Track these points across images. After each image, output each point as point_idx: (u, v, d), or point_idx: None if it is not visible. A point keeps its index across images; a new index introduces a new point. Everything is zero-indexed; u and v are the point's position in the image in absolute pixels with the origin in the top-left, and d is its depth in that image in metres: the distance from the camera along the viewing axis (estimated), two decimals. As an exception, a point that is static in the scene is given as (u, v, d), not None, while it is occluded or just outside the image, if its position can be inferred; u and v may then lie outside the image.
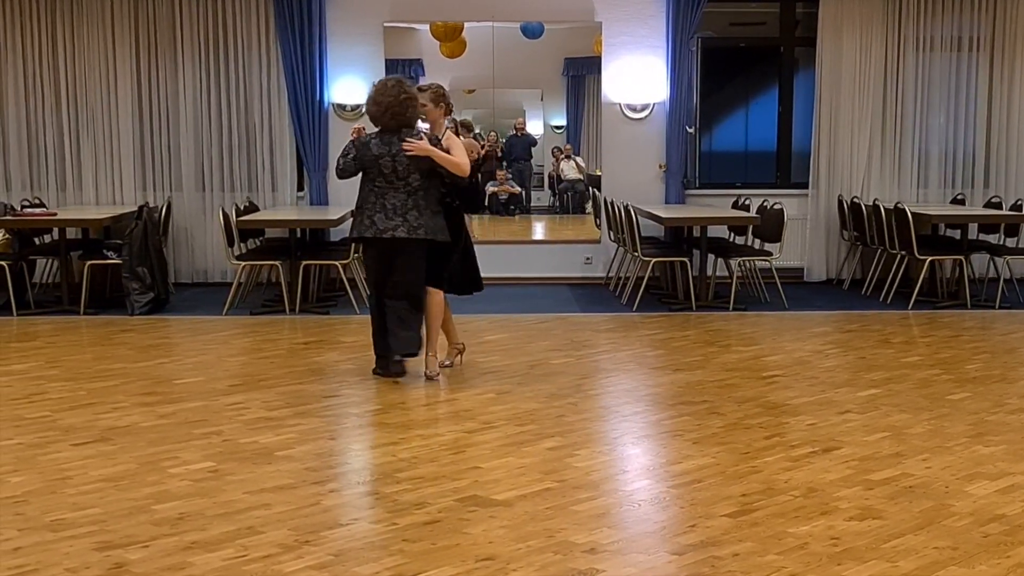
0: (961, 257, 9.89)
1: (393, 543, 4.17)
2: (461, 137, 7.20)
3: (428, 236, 6.76)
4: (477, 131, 13.22)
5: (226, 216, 9.56)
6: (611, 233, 10.87)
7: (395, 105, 6.77)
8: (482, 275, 7.30)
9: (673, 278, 10.37)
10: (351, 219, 7.02)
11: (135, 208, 9.90)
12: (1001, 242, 10.42)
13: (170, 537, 4.22)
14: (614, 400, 6.70)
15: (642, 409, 6.43)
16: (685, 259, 9.95)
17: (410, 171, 6.76)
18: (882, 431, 5.76)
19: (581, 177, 13.33)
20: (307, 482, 4.94)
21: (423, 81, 7.90)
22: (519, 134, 13.63)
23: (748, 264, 10.28)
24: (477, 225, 12.84)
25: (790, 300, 9.91)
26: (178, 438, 5.66)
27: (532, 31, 12.01)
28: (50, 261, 10.57)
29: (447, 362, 7.31)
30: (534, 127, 13.80)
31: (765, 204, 10.27)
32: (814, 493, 4.75)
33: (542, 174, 13.98)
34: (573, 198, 13.54)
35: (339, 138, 11.01)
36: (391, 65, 11.16)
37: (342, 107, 11.14)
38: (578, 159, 13.35)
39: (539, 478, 4.97)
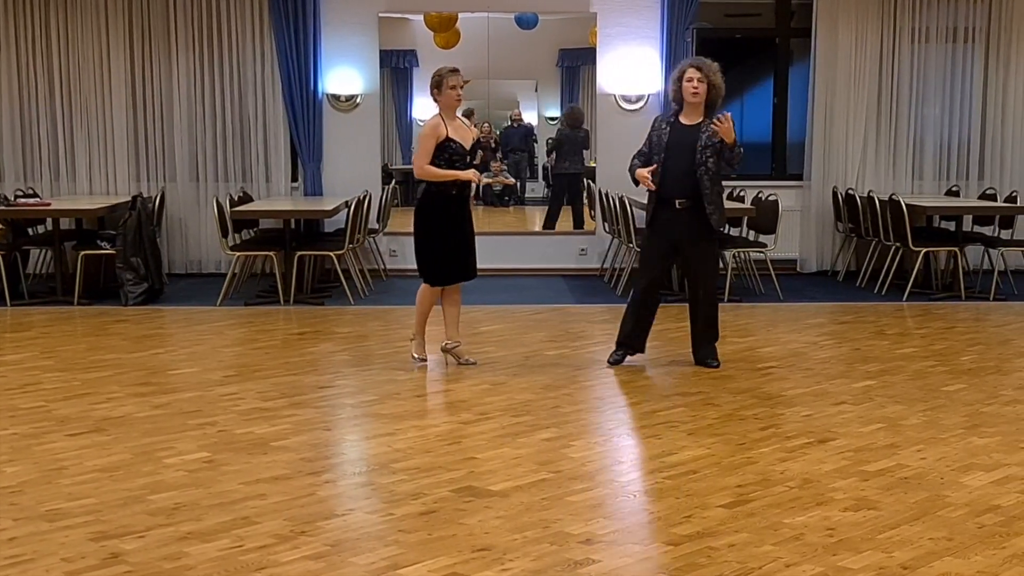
0: (956, 249, 9.89)
1: (389, 533, 4.17)
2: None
3: None
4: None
5: (220, 206, 9.54)
6: (606, 224, 10.86)
7: None
8: (478, 266, 7.31)
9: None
10: (722, 211, 7.00)
11: (129, 198, 9.89)
12: (996, 234, 10.42)
13: (166, 527, 4.22)
14: (609, 391, 6.70)
15: (637, 400, 6.43)
16: (680, 250, 9.93)
17: None
18: (877, 422, 5.77)
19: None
20: (302, 472, 4.93)
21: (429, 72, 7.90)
22: (515, 125, 13.60)
23: (743, 255, 10.28)
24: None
25: (785, 292, 9.91)
26: (173, 428, 5.65)
27: (527, 22, 11.99)
28: (44, 251, 10.56)
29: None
30: (528, 118, 13.78)
31: (760, 195, 10.27)
32: (809, 484, 4.75)
33: (535, 165, 13.97)
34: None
35: (333, 128, 11.05)
36: (385, 56, 11.14)
37: (336, 97, 11.12)
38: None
39: (534, 469, 4.97)
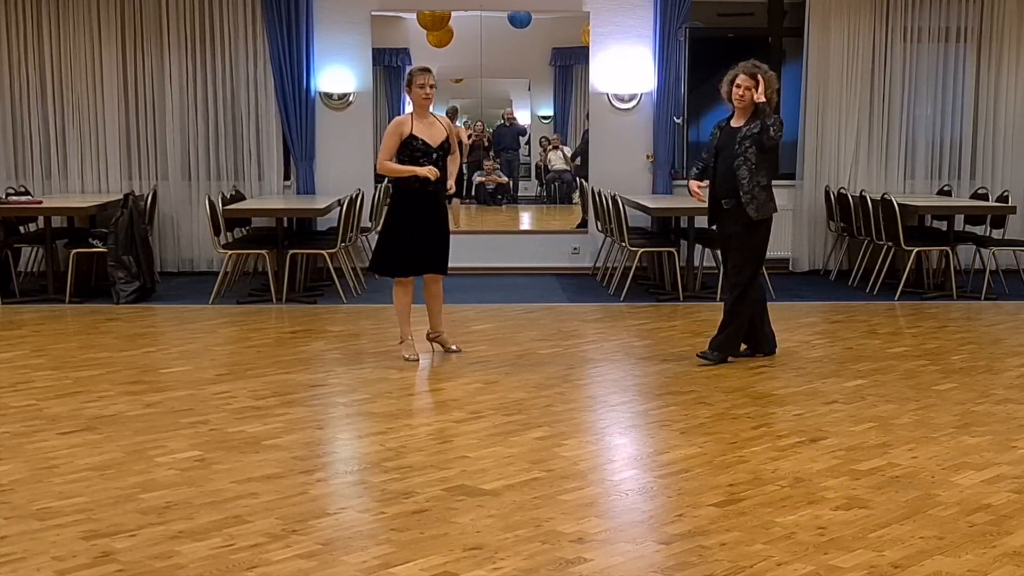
0: (947, 248, 9.92)
1: (381, 532, 4.17)
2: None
3: None
4: (465, 120, 13.22)
5: (212, 204, 9.53)
6: (598, 223, 10.86)
7: None
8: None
9: (660, 268, 10.38)
10: (762, 200, 6.98)
11: (121, 196, 9.86)
12: (987, 233, 10.44)
13: (157, 526, 4.21)
14: (601, 390, 6.70)
15: (629, 399, 6.44)
16: (672, 249, 9.94)
17: None
18: (868, 421, 5.78)
19: (568, 167, 13.31)
20: (294, 471, 4.93)
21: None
22: (508, 124, 13.59)
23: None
24: (464, 214, 12.84)
25: (777, 291, 9.91)
26: (165, 427, 5.64)
27: (520, 20, 11.97)
28: (35, 249, 10.53)
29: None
30: (521, 117, 13.76)
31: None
32: (801, 483, 4.76)
33: (529, 164, 13.95)
34: (560, 188, 13.52)
35: (326, 127, 11.04)
36: (378, 54, 11.13)
37: (329, 96, 11.11)
38: (565, 149, 13.32)
39: (527, 468, 4.97)
